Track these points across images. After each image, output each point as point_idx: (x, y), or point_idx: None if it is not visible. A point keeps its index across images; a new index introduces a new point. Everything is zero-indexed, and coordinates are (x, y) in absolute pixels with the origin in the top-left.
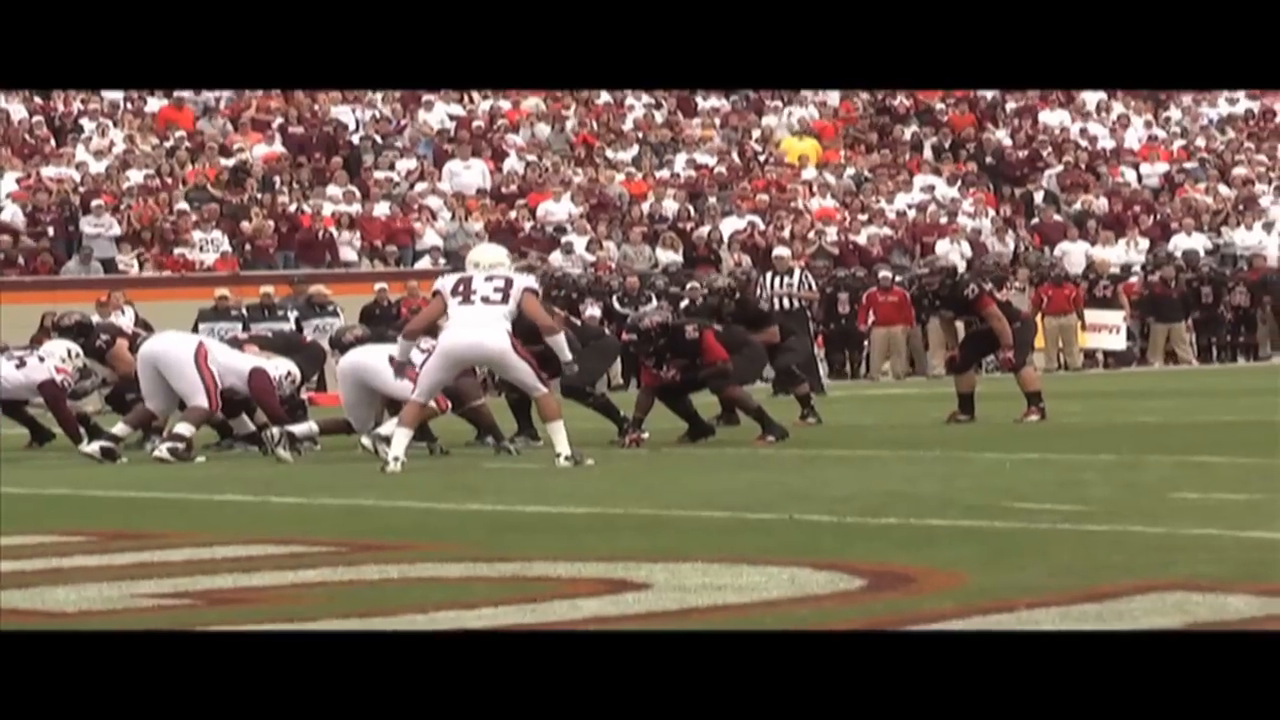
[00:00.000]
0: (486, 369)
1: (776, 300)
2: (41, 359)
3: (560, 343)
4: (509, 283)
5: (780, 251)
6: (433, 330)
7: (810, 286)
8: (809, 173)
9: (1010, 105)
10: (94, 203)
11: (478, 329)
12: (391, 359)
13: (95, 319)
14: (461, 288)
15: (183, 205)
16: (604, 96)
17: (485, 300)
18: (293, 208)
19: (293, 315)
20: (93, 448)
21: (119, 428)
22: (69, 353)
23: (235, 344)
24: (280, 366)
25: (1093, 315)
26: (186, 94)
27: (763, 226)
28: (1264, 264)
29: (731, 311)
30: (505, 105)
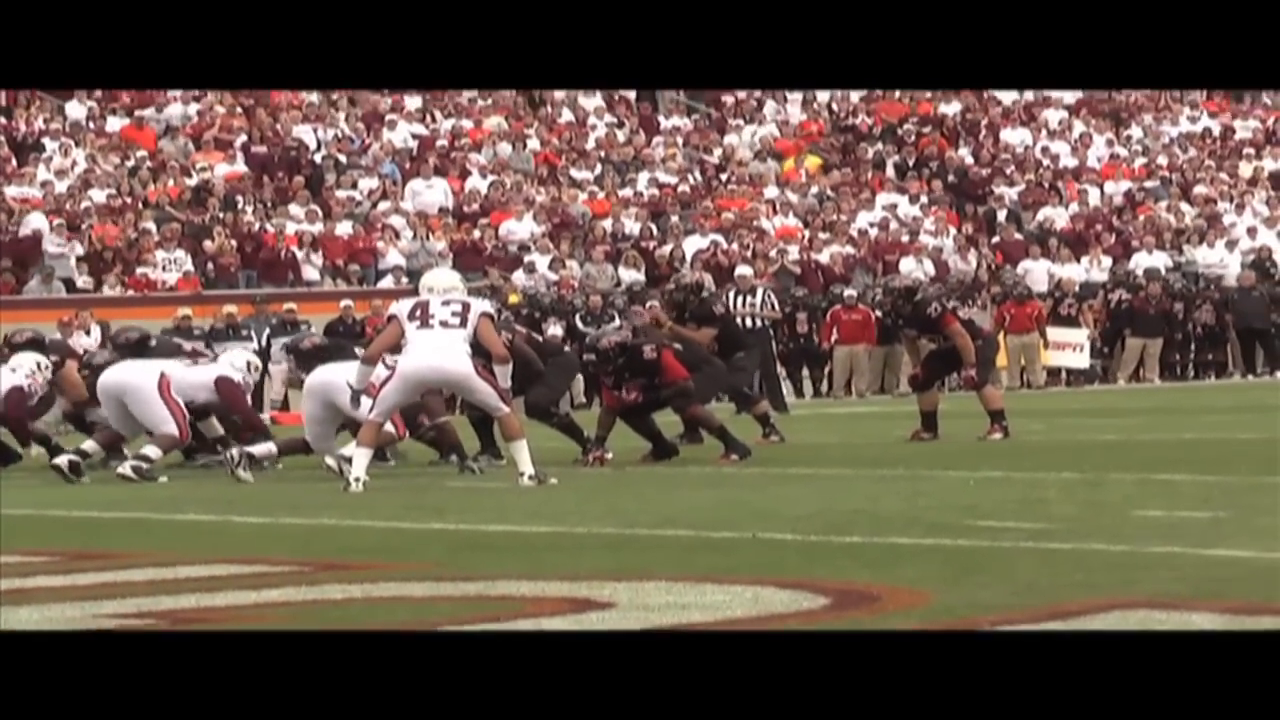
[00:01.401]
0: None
1: (740, 319)
2: (13, 370)
3: (505, 372)
4: (466, 307)
5: (743, 270)
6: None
7: (773, 305)
8: (771, 191)
9: (975, 120)
10: (55, 222)
11: (437, 353)
12: (350, 385)
13: (49, 338)
14: (419, 312)
15: (148, 225)
16: (566, 115)
17: (444, 324)
18: (255, 227)
19: (263, 334)
20: (61, 460)
21: (88, 444)
22: (38, 365)
23: (191, 356)
24: (238, 359)
25: (1056, 333)
26: (148, 113)
27: (725, 245)
28: (1248, 280)
29: (694, 308)
30: (468, 124)
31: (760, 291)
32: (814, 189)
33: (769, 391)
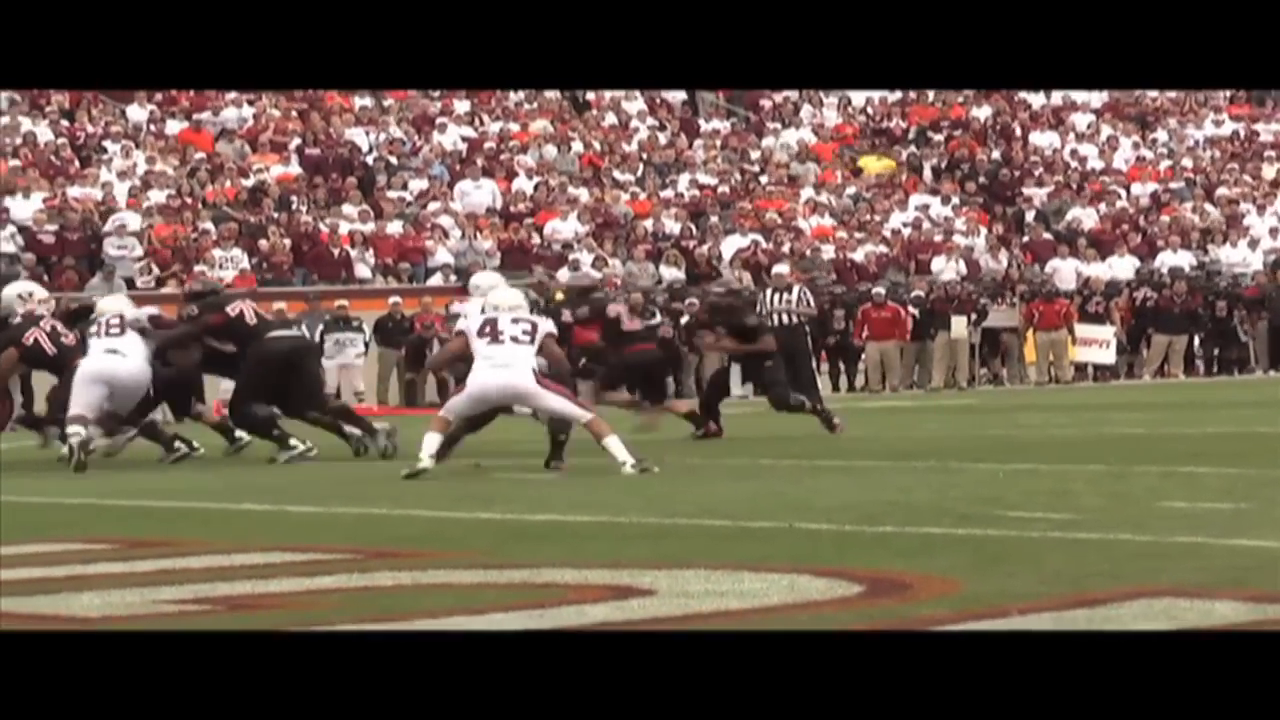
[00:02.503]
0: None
1: (776, 316)
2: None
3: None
4: (535, 326)
5: (779, 269)
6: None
7: (809, 303)
8: (807, 192)
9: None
10: (116, 222)
11: (507, 370)
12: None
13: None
14: (489, 329)
15: (205, 224)
16: (609, 119)
17: (514, 340)
18: (309, 226)
19: (316, 330)
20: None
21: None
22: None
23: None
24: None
25: (1083, 330)
26: (205, 116)
27: (764, 244)
28: (1262, 279)
29: (724, 324)
30: (514, 128)
31: (796, 289)
32: (850, 189)
33: (806, 389)
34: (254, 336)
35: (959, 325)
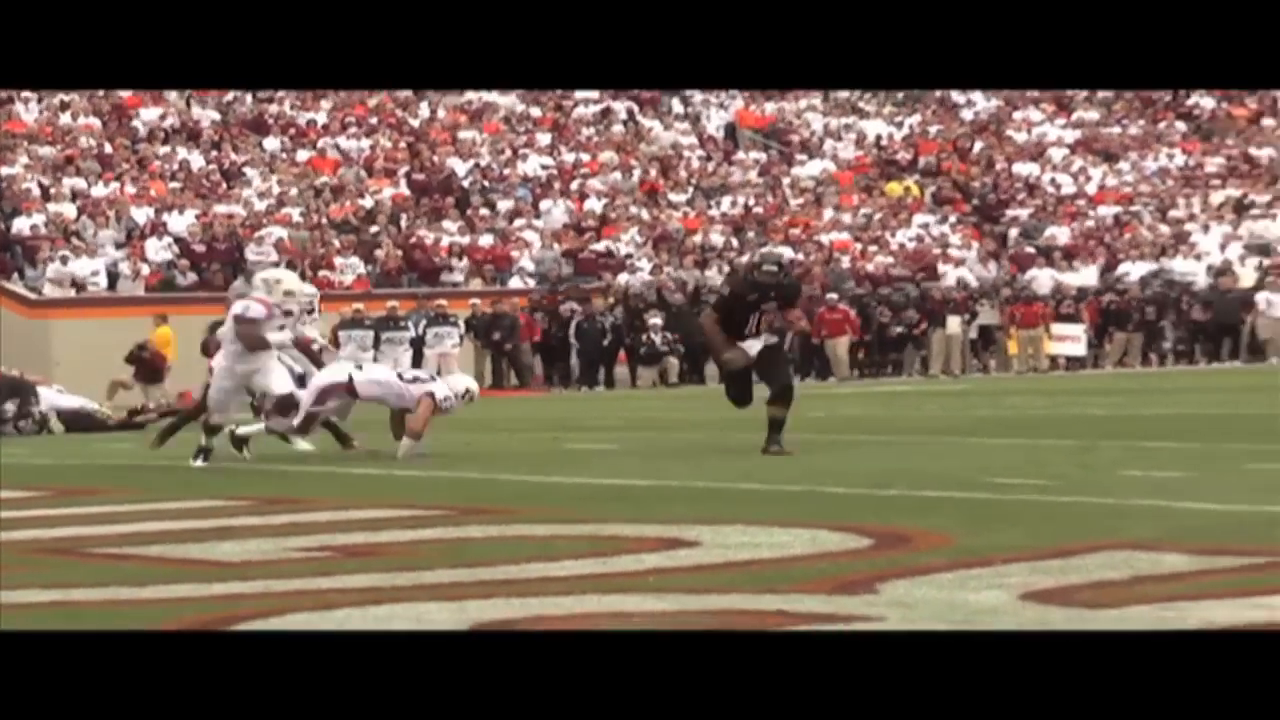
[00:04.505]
0: None
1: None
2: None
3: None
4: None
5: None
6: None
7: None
8: (829, 212)
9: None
10: (258, 234)
11: None
12: None
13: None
14: None
15: (330, 239)
16: (665, 149)
17: None
18: (415, 238)
19: (420, 325)
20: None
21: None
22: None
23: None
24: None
25: (1058, 328)
26: (325, 142)
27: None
28: (1226, 284)
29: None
30: (586, 157)
31: None
32: (864, 210)
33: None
34: None
35: (954, 323)
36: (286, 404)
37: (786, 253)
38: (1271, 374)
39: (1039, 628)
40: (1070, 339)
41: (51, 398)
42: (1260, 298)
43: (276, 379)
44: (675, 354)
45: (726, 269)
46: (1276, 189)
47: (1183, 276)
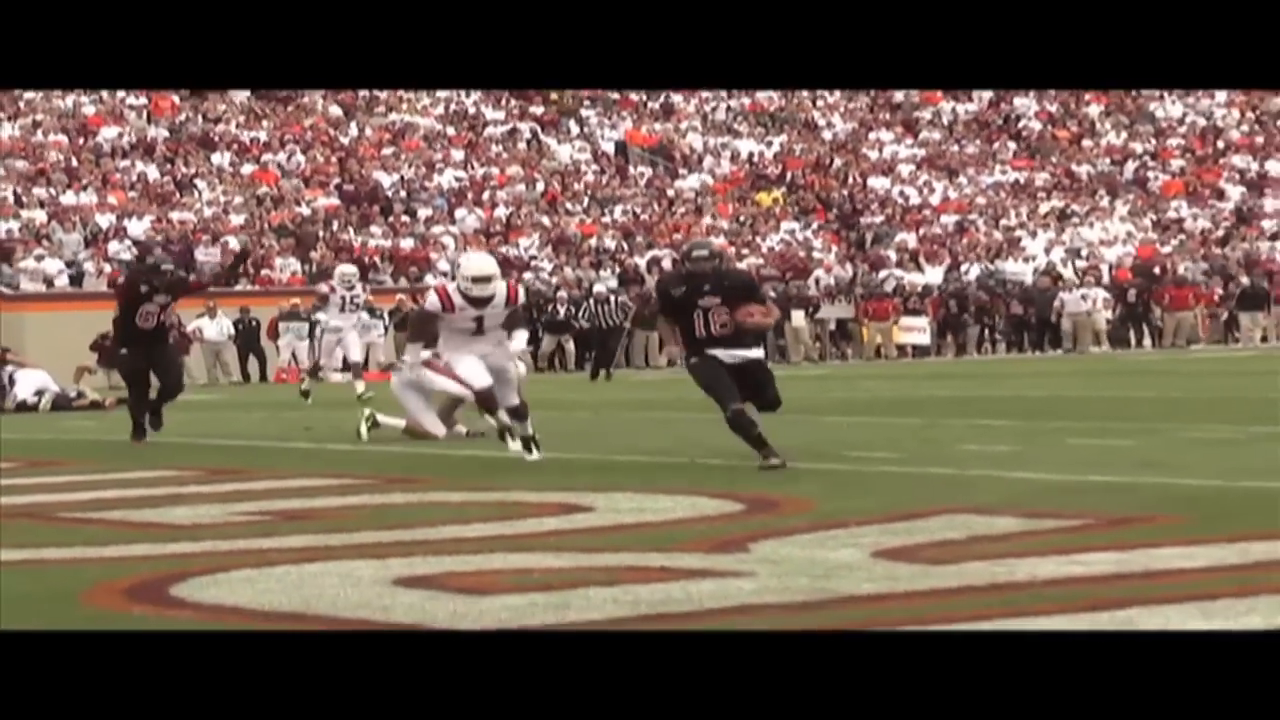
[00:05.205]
0: None
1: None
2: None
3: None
4: None
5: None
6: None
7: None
8: (706, 219)
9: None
10: (205, 238)
11: None
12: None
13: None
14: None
15: (270, 241)
16: (560, 158)
17: None
18: (347, 242)
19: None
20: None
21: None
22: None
23: None
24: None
25: (906, 320)
26: (269, 156)
27: (675, 255)
28: (1044, 284)
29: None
30: (495, 171)
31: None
32: (740, 217)
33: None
34: None
35: (798, 317)
36: (488, 397)
37: (718, 241)
38: (1085, 361)
39: (889, 583)
40: (916, 330)
41: (44, 380)
42: (1063, 296)
43: (463, 368)
44: (576, 331)
45: (618, 270)
46: (1094, 200)
47: (1013, 276)
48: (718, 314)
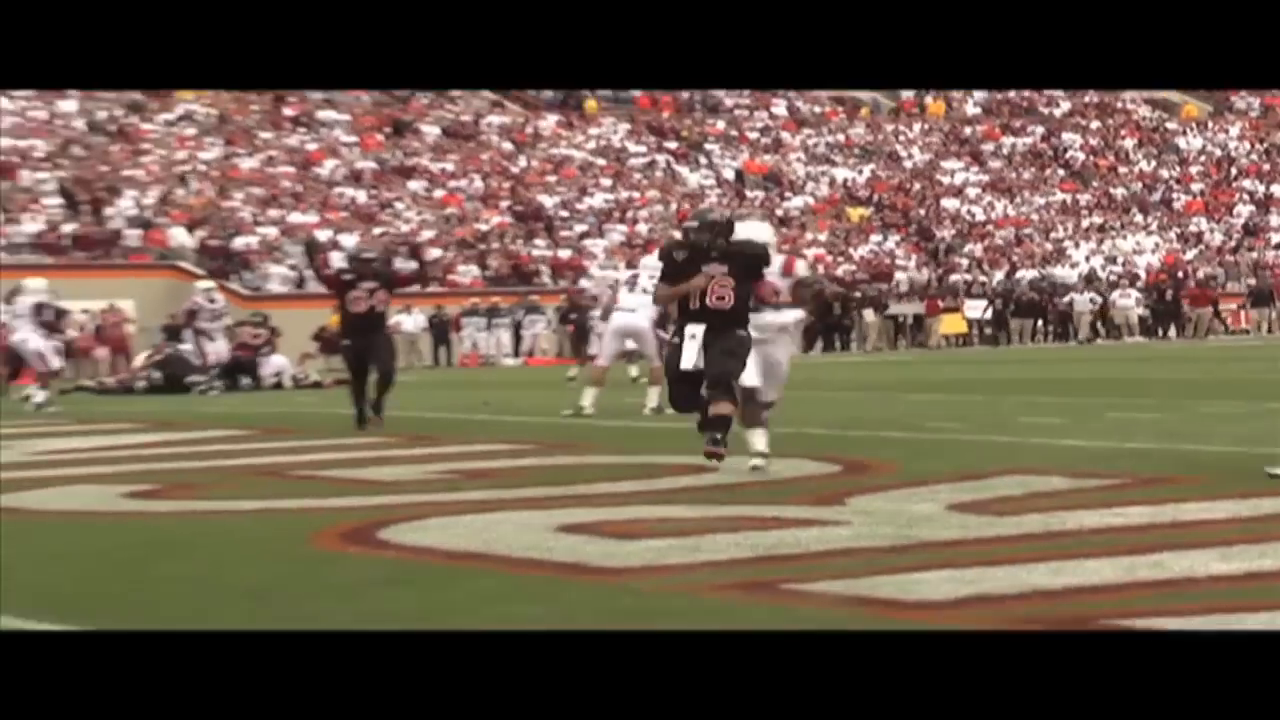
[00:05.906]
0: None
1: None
2: None
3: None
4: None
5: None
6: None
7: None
8: (808, 235)
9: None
10: (403, 249)
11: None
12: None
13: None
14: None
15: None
16: (691, 184)
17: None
18: (515, 252)
19: (520, 313)
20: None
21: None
22: None
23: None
24: None
25: (971, 302)
26: (454, 183)
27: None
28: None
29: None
30: (636, 195)
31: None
32: (836, 231)
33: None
34: None
35: (869, 314)
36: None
37: (722, 214)
38: (1126, 349)
39: (961, 530)
40: (979, 308)
41: (282, 364)
42: (1077, 298)
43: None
44: None
45: None
46: (1128, 217)
47: (1061, 279)
48: (718, 285)
